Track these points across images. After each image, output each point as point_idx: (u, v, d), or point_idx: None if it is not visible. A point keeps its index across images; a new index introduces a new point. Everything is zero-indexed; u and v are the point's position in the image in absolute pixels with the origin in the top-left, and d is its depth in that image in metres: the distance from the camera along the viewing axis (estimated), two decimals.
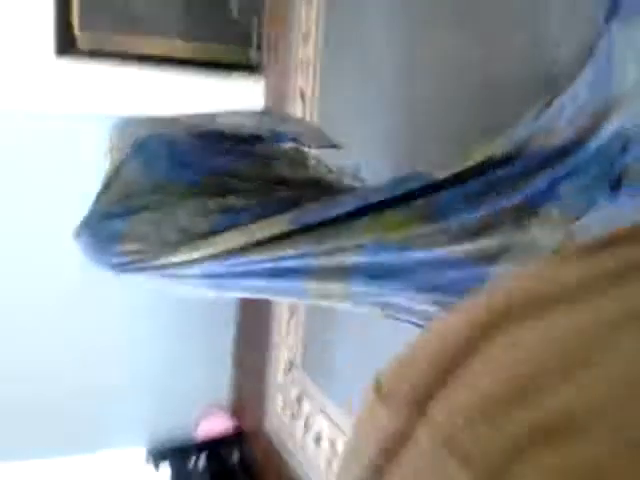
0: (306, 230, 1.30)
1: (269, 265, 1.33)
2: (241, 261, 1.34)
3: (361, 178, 1.65)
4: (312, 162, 1.62)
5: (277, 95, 3.20)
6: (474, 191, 1.21)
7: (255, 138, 1.57)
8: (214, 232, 1.34)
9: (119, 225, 1.39)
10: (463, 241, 1.21)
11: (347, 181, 1.61)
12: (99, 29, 3.15)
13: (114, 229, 1.39)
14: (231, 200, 1.39)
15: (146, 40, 3.26)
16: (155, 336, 3.48)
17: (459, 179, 1.23)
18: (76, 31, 3.08)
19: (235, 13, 3.40)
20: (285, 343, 3.07)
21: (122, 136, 1.53)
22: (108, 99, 3.11)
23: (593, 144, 1.10)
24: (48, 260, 3.05)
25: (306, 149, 1.66)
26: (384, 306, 1.37)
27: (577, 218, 1.11)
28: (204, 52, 3.42)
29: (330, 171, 1.61)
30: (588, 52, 1.11)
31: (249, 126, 1.57)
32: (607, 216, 1.06)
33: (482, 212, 1.20)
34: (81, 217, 1.47)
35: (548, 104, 1.17)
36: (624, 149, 1.06)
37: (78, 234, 1.46)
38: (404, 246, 1.25)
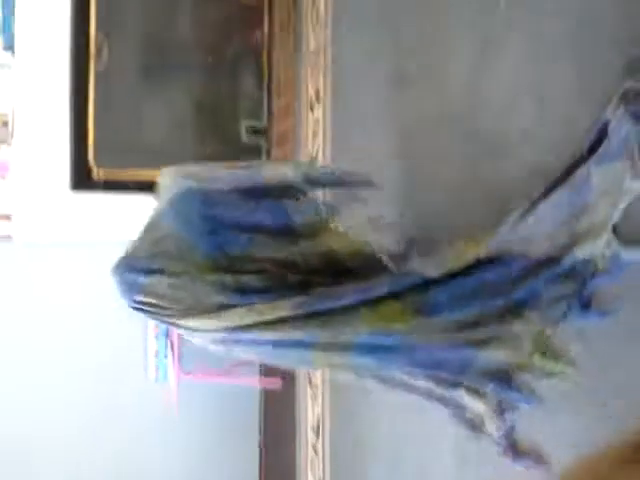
0: (310, 316, 1.39)
1: (275, 338, 1.43)
2: (248, 335, 1.43)
3: (381, 227, 1.66)
4: (332, 224, 1.63)
5: None
6: (463, 292, 1.33)
7: (290, 189, 1.61)
8: (226, 307, 1.41)
9: (141, 279, 1.47)
10: (453, 332, 1.34)
11: (370, 236, 1.61)
12: (114, 164, 3.29)
13: (137, 281, 1.48)
14: (246, 279, 1.45)
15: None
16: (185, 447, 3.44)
17: (450, 277, 1.34)
18: (92, 166, 3.22)
19: (245, 137, 3.55)
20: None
21: (169, 183, 1.62)
22: (124, 225, 3.19)
23: (567, 262, 1.23)
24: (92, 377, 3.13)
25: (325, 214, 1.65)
26: (383, 380, 1.47)
27: (553, 324, 1.27)
28: None
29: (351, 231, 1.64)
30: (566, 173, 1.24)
31: (291, 176, 1.61)
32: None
33: (470, 311, 1.32)
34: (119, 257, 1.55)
35: (528, 211, 1.28)
36: (593, 275, 1.23)
37: (113, 272, 1.54)
38: (400, 333, 1.36)
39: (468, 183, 1.67)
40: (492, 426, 1.45)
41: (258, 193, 1.56)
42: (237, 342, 1.49)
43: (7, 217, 3.06)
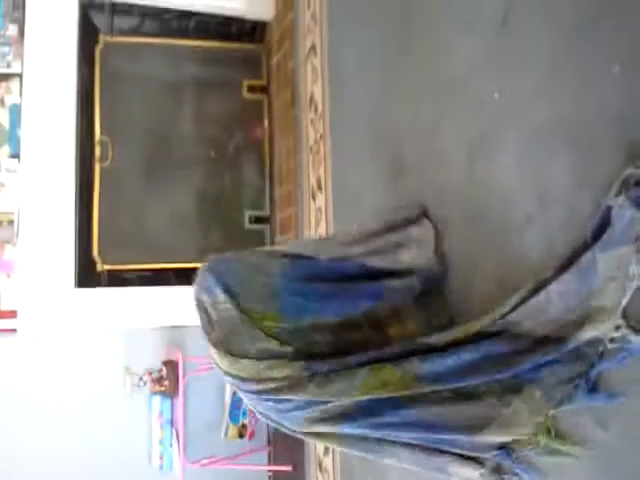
0: (312, 376, 1.43)
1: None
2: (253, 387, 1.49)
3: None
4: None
5: None
6: (465, 363, 1.35)
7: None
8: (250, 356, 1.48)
9: (217, 290, 1.55)
10: (451, 404, 1.38)
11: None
12: (119, 260, 3.30)
13: (213, 287, 1.56)
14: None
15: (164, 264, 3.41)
16: None
17: (454, 345, 1.38)
18: (97, 263, 3.24)
19: (247, 223, 3.58)
20: None
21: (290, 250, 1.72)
22: (129, 316, 3.19)
23: (572, 343, 1.25)
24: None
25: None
26: (367, 449, 1.52)
27: (558, 404, 1.28)
28: None
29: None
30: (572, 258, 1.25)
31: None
32: None
33: (471, 381, 1.35)
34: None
35: (536, 290, 1.31)
36: (601, 357, 1.23)
37: (207, 263, 1.64)
38: (396, 401, 1.40)
39: (474, 262, 1.65)
40: None
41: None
42: (245, 392, 1.53)
43: (12, 312, 3.06)
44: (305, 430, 1.52)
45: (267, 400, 1.50)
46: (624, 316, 1.19)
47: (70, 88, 3.17)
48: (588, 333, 1.23)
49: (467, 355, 1.36)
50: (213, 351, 1.54)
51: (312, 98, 2.94)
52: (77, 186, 3.16)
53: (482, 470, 1.42)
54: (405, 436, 1.45)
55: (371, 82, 2.31)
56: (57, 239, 3.09)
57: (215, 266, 1.61)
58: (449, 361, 1.37)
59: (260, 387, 1.48)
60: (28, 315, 3.03)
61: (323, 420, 1.47)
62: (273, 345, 1.49)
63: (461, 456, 1.44)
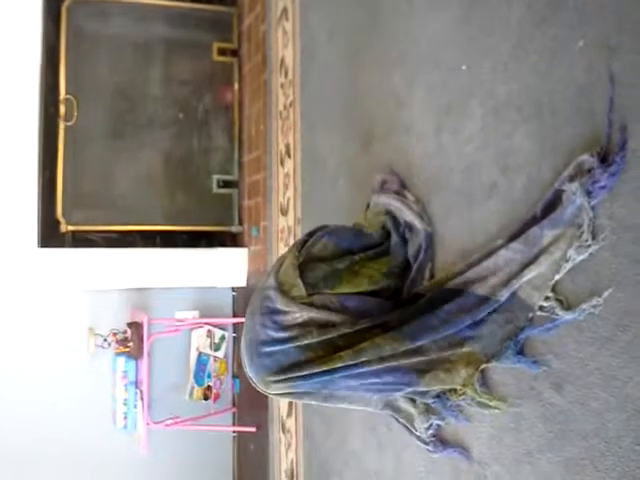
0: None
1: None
2: None
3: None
4: None
5: (260, 262, 3.25)
6: (425, 325, 1.50)
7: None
8: None
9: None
10: (404, 357, 1.52)
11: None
12: (83, 221, 3.27)
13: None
14: None
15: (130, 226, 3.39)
16: None
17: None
18: (61, 223, 3.20)
19: (215, 187, 3.57)
20: None
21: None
22: (93, 278, 3.18)
23: (507, 299, 1.39)
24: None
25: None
26: (325, 398, 1.65)
27: (488, 360, 1.44)
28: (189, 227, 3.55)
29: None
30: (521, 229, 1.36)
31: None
32: None
33: (427, 340, 1.50)
34: None
35: (488, 254, 1.44)
36: (530, 322, 1.36)
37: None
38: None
39: (438, 230, 1.72)
40: (420, 425, 1.66)
41: None
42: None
43: None
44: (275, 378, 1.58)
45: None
46: (554, 290, 1.31)
47: (34, 45, 3.09)
48: (521, 293, 1.36)
49: (428, 319, 1.50)
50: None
51: (283, 62, 2.93)
52: (41, 144, 3.10)
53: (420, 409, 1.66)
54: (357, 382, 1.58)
55: (342, 49, 2.31)
56: (20, 198, 3.05)
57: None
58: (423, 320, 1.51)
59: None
60: None
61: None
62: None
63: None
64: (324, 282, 1.62)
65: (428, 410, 1.64)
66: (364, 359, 1.50)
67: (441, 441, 1.63)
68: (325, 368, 1.51)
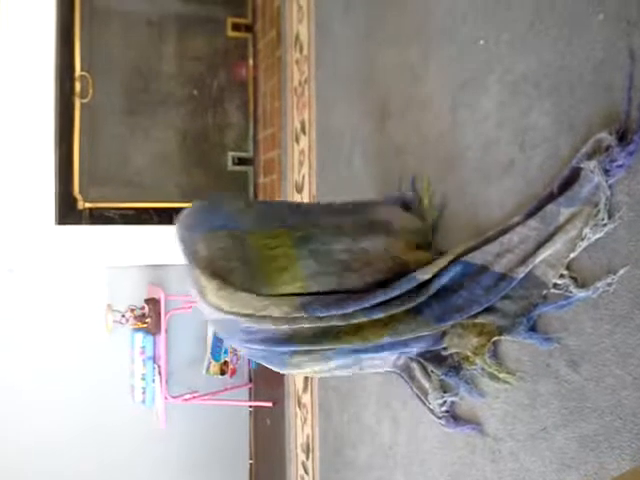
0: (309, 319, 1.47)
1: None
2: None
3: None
4: None
5: None
6: (454, 304, 1.49)
7: None
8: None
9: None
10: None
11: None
12: (100, 198, 3.30)
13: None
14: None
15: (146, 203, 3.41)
16: None
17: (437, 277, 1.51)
18: (78, 200, 3.22)
19: (230, 165, 3.57)
20: None
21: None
22: (110, 254, 3.21)
23: (522, 277, 1.38)
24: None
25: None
26: (349, 367, 1.63)
27: (501, 333, 1.44)
28: None
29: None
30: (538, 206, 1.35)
31: None
32: None
33: (453, 321, 1.50)
34: None
35: (504, 231, 1.43)
36: (544, 300, 1.36)
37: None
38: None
39: (453, 208, 1.70)
40: (434, 401, 1.67)
41: None
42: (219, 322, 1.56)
43: None
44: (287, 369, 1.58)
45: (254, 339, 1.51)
46: (569, 268, 1.31)
47: (49, 22, 3.08)
48: (537, 271, 1.35)
49: (453, 300, 1.50)
50: (203, 281, 1.54)
51: (298, 38, 2.90)
52: (57, 122, 3.11)
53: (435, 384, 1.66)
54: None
55: (357, 24, 2.29)
56: (37, 176, 3.07)
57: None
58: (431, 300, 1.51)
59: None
60: (8, 252, 3.03)
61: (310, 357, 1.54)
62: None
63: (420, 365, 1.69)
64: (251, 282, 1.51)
65: (442, 386, 1.65)
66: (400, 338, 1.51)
67: (454, 417, 1.65)
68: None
